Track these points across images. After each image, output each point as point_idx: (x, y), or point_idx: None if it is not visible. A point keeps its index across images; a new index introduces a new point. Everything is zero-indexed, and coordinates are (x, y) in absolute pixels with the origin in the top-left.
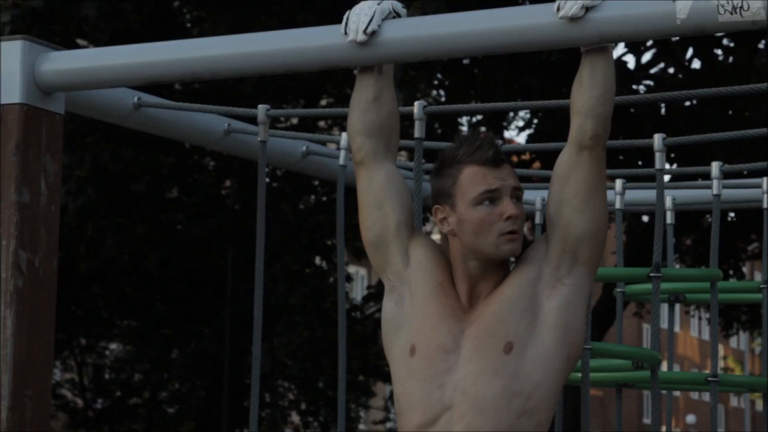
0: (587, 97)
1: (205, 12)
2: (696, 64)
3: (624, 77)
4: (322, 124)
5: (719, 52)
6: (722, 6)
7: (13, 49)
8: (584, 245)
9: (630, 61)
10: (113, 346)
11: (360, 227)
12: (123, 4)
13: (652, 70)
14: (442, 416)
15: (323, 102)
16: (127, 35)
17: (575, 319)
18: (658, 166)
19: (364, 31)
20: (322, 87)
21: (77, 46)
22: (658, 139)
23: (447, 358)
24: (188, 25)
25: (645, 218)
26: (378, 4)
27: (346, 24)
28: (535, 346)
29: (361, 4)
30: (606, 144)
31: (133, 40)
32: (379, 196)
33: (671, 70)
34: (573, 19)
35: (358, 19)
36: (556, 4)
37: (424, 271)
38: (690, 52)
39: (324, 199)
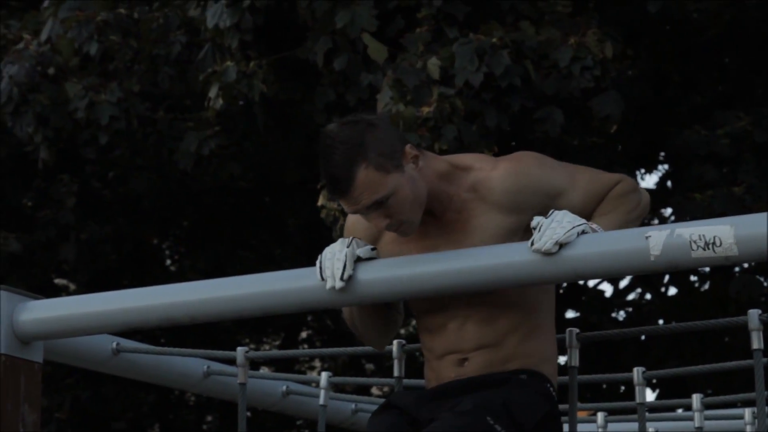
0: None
1: (184, 248)
2: (672, 290)
3: (602, 305)
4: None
5: (695, 278)
6: (695, 242)
7: None
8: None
9: (607, 289)
10: None
11: None
12: (101, 246)
13: (629, 296)
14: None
15: (303, 334)
16: (107, 274)
17: None
18: (638, 399)
19: (341, 278)
20: (301, 320)
21: (56, 286)
22: (637, 372)
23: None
24: (167, 261)
25: None
26: (347, 247)
27: (321, 269)
28: None
29: (331, 247)
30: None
31: (112, 278)
32: None
33: (648, 296)
34: (547, 254)
35: (332, 264)
36: (531, 239)
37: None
38: (666, 278)
39: None
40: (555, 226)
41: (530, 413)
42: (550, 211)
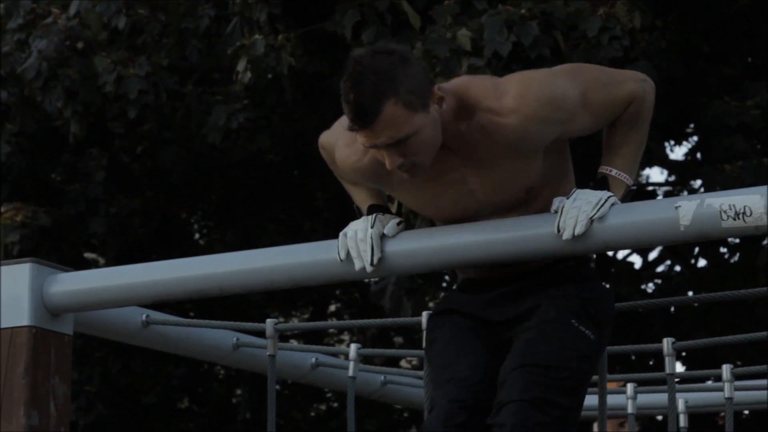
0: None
1: (212, 222)
2: (702, 262)
3: (631, 277)
4: (331, 330)
5: (724, 250)
6: (725, 212)
7: (22, 272)
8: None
9: (636, 261)
10: None
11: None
12: (130, 219)
13: (659, 269)
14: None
15: (332, 308)
16: (136, 247)
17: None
18: (668, 370)
19: (371, 263)
20: (330, 293)
21: (85, 260)
22: (667, 343)
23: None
24: (196, 235)
25: (659, 417)
26: (371, 227)
27: (346, 248)
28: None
29: (354, 226)
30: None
31: (141, 251)
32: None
33: (677, 268)
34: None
35: (356, 245)
36: (555, 226)
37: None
38: (696, 249)
39: (335, 405)
40: (579, 205)
41: (604, 308)
42: (572, 191)
